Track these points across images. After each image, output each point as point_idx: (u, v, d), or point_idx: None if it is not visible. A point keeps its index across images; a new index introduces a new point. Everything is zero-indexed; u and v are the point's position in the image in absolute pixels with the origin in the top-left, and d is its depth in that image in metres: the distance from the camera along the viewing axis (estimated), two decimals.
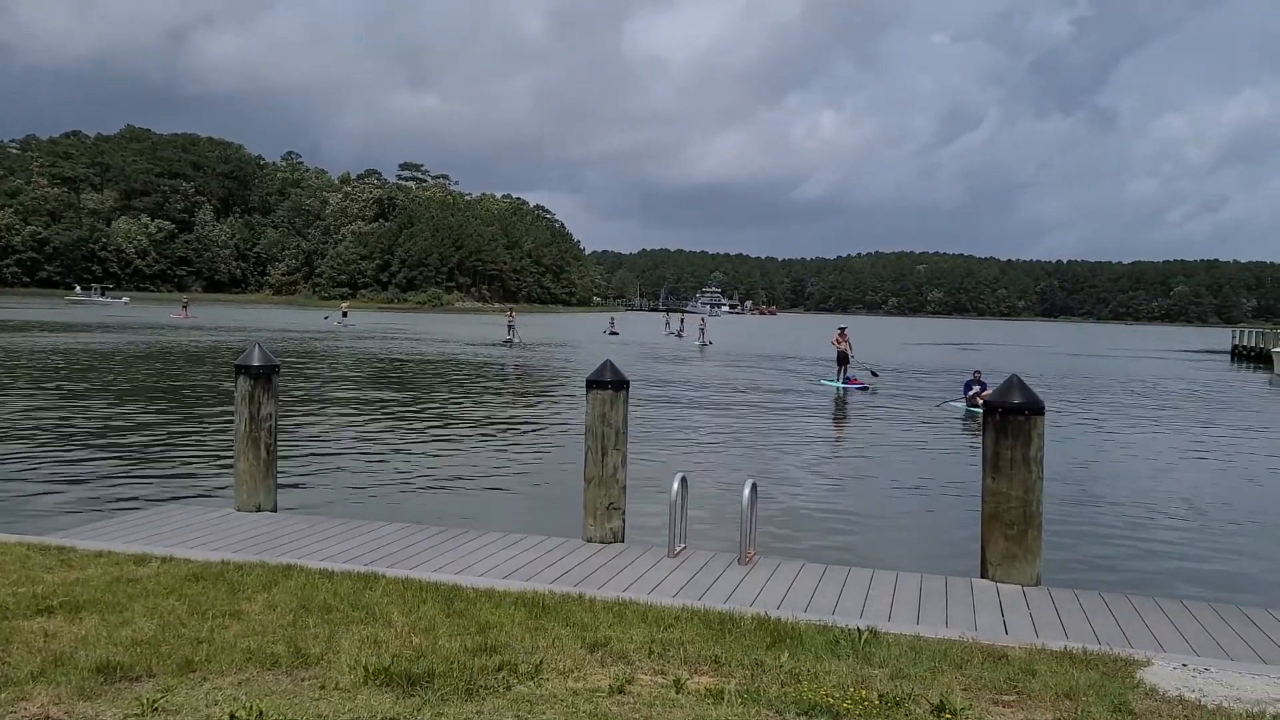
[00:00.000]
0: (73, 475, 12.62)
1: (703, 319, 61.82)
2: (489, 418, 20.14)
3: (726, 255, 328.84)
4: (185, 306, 76.01)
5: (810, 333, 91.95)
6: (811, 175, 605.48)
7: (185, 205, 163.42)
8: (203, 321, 68.09)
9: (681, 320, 74.73)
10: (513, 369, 35.12)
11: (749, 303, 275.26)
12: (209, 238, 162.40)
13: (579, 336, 65.92)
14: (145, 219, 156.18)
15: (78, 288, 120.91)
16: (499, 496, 12.34)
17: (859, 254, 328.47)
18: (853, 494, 13.24)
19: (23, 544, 6.98)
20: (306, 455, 14.69)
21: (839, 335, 30.98)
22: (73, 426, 16.69)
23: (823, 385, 30.02)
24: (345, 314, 75.58)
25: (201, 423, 17.89)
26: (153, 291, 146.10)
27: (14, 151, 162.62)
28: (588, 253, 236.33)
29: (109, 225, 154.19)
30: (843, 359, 30.65)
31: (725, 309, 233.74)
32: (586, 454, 8.09)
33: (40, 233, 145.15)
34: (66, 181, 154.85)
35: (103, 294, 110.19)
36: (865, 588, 6.84)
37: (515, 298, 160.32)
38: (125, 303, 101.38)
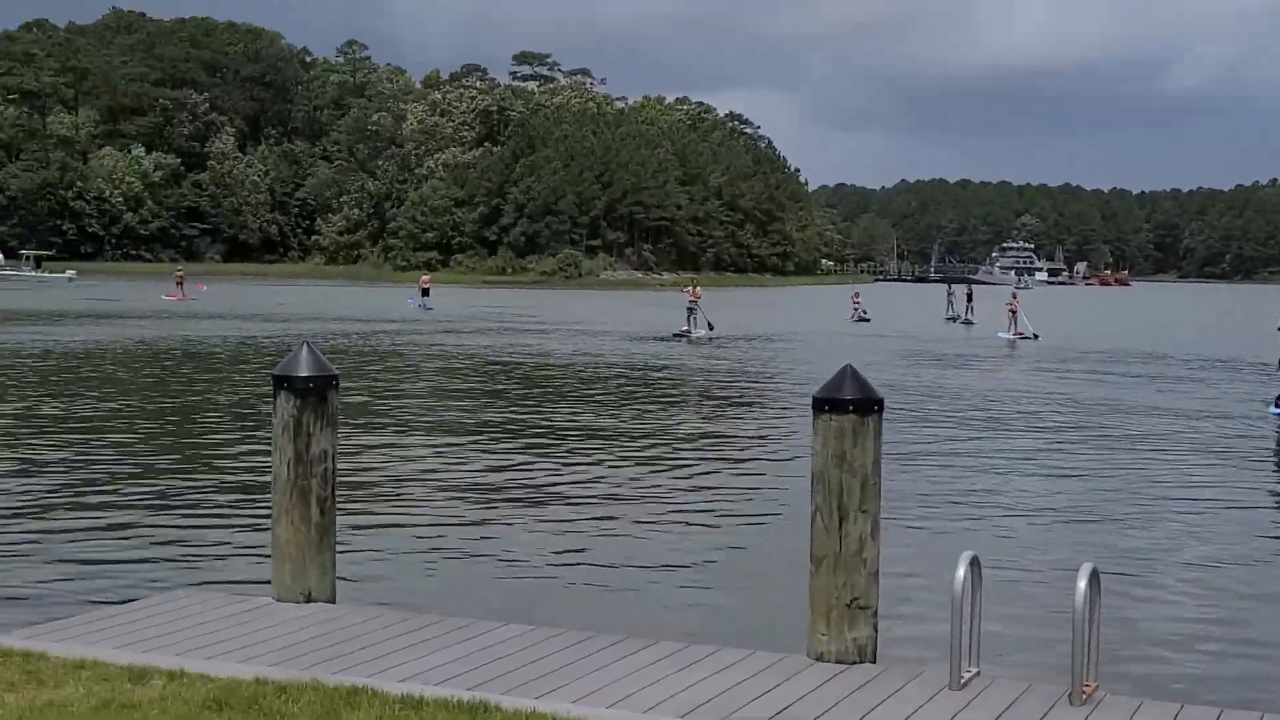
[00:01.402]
0: (41, 542, 13.52)
1: (1013, 294, 60.23)
2: (656, 458, 20.34)
3: (1044, 188, 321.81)
4: (180, 283, 79.56)
5: (1202, 313, 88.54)
6: (1190, 50, 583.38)
7: (196, 129, 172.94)
8: (212, 304, 71.76)
9: (969, 297, 73.33)
10: (694, 379, 35.31)
11: (1083, 265, 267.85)
12: (231, 177, 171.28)
13: (803, 325, 65.76)
14: (138, 150, 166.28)
15: (0, 257, 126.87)
16: (673, 584, 12.47)
17: (1276, 181, 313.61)
18: (1270, 586, 12.77)
19: None
20: (378, 516, 15.25)
21: None
22: (32, 471, 17.91)
23: (1273, 413, 27.68)
24: (425, 292, 78.04)
25: (216, 466, 18.86)
26: (148, 261, 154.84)
27: None
28: (812, 189, 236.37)
29: (86, 161, 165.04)
30: None
31: (1043, 276, 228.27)
32: (814, 518, 8.06)
33: None
34: (28, 97, 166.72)
35: (36, 266, 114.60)
36: None
37: (697, 263, 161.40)
38: (70, 278, 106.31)
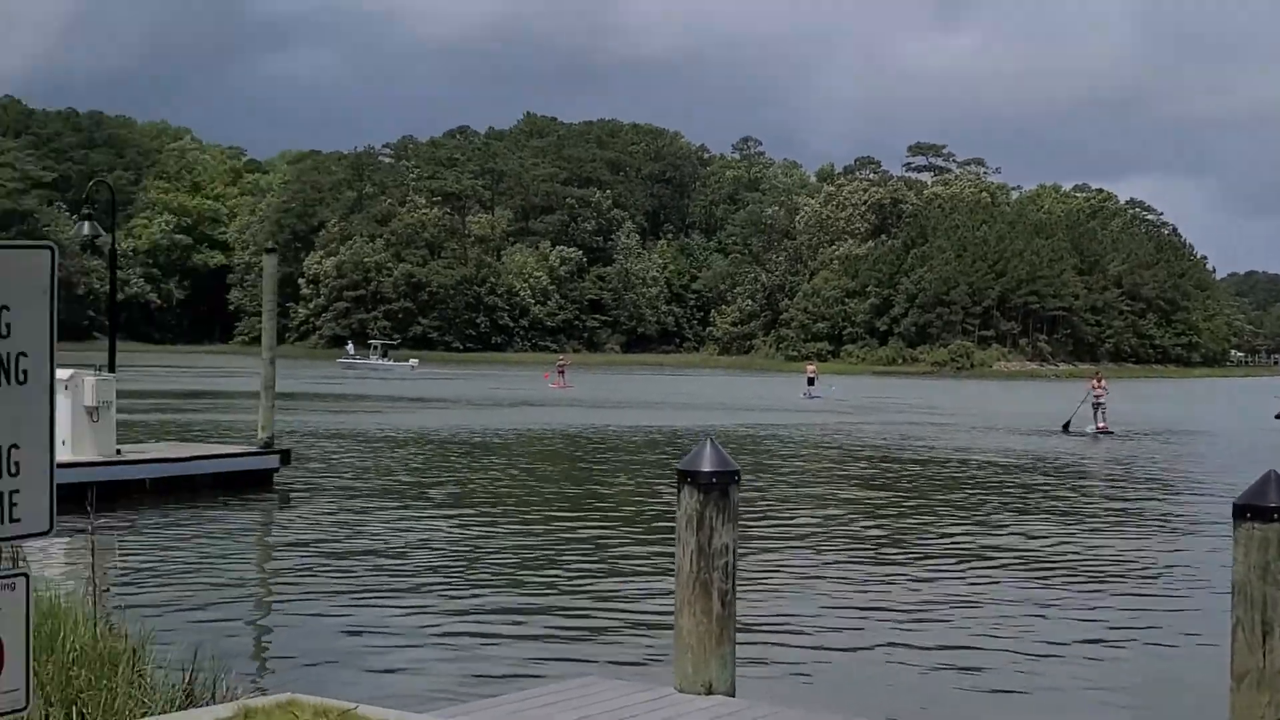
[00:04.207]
0: (442, 626, 14.15)
1: None
2: (1052, 555, 19.79)
3: None
4: (562, 371, 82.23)
5: None
6: None
7: (599, 225, 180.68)
8: (596, 393, 74.03)
9: None
10: (1098, 475, 34.08)
11: None
12: (631, 272, 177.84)
13: (1213, 420, 62.49)
14: (544, 245, 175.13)
15: (350, 346, 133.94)
16: (1081, 695, 12.07)
17: None
18: None
19: None
20: (774, 609, 15.26)
21: None
22: (434, 551, 18.87)
23: None
24: (812, 381, 79.48)
25: (616, 553, 19.31)
26: (551, 350, 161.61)
27: (386, 161, 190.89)
28: (1221, 277, 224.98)
29: (499, 258, 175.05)
30: None
31: None
32: (1234, 631, 7.54)
33: (414, 273, 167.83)
34: (450, 198, 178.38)
35: (384, 355, 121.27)
36: None
37: (1095, 354, 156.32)
38: (412, 366, 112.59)
